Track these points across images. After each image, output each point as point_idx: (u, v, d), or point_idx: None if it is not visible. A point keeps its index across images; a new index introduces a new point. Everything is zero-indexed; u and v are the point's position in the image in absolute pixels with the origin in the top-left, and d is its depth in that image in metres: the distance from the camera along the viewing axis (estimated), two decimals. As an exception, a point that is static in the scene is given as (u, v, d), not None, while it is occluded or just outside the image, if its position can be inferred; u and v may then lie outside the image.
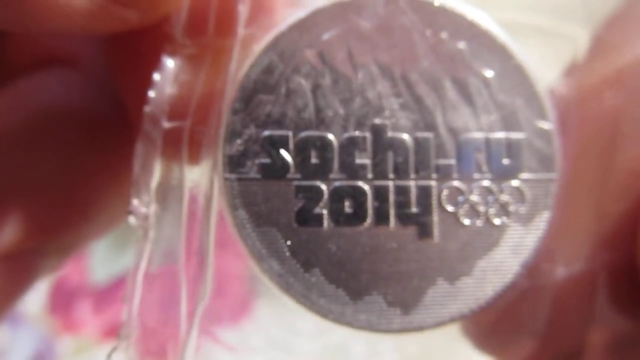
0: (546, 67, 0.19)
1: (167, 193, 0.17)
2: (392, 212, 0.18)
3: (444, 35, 0.18)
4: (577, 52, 0.20)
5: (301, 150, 0.17)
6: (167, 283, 0.17)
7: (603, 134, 0.20)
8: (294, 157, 0.17)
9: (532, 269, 0.19)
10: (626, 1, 0.20)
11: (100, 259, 0.49)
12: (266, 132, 0.17)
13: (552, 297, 0.20)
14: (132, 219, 0.17)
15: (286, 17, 0.17)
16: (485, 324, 0.20)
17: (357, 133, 0.17)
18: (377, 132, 0.18)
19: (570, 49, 0.20)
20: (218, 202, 0.17)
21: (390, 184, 0.18)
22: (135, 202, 0.17)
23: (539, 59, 0.19)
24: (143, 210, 0.17)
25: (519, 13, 0.19)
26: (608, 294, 0.20)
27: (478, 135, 0.18)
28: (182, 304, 0.17)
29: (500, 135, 0.18)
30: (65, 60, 0.22)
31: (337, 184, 0.17)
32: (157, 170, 0.17)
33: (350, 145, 0.17)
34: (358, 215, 0.17)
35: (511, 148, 0.18)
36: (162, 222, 0.17)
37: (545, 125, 0.19)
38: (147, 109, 0.17)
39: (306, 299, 0.17)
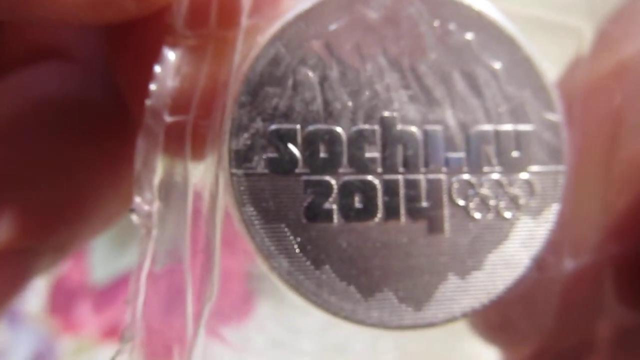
0: (551, 60, 0.18)
1: (171, 190, 0.15)
2: (402, 206, 0.16)
3: (451, 26, 0.17)
4: (582, 45, 0.19)
5: (309, 144, 0.15)
6: (172, 283, 0.16)
7: (608, 127, 0.19)
8: (302, 151, 0.15)
9: (541, 262, 0.18)
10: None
11: (100, 259, 0.46)
12: (273, 126, 0.15)
13: (560, 289, 0.18)
14: (134, 217, 0.15)
15: (291, 6, 0.16)
16: (495, 318, 0.18)
17: (366, 126, 0.16)
18: (387, 125, 0.16)
19: (575, 42, 0.19)
20: (224, 199, 0.15)
21: (400, 177, 0.16)
22: (137, 199, 0.15)
23: (544, 52, 0.18)
24: (146, 208, 0.15)
25: (523, 6, 0.18)
26: (615, 286, 0.19)
27: (487, 127, 0.17)
28: (188, 304, 0.16)
29: (509, 127, 0.17)
30: (63, 52, 0.20)
31: (346, 178, 0.16)
32: (159, 167, 0.15)
33: (359, 139, 0.16)
34: (368, 210, 0.16)
35: (520, 140, 0.17)
36: (165, 220, 0.15)
37: (553, 117, 0.17)
38: (148, 102, 0.15)
39: (317, 297, 0.15)
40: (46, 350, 0.41)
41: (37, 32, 0.20)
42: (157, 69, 0.15)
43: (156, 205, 0.15)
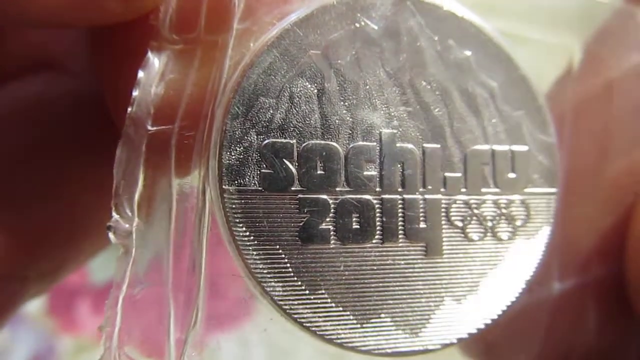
0: (541, 76, 0.15)
1: (153, 206, 0.11)
2: (400, 227, 0.13)
3: (450, 42, 0.13)
4: (572, 61, 0.15)
5: (306, 161, 0.12)
6: (152, 308, 0.12)
7: (595, 148, 0.16)
8: (298, 168, 0.12)
9: (532, 285, 0.14)
10: (614, 15, 0.16)
11: (99, 259, 0.41)
12: (268, 140, 0.11)
13: (549, 312, 0.15)
14: (112, 236, 0.11)
15: (288, 13, 0.12)
16: (486, 341, 0.15)
17: (364, 143, 0.12)
18: (386, 142, 0.12)
19: (564, 59, 0.15)
20: (212, 217, 0.12)
21: (399, 197, 0.13)
22: (115, 216, 0.11)
23: (535, 68, 0.15)
24: (125, 226, 0.11)
25: (514, 23, 0.15)
26: (599, 306, 0.16)
27: (484, 147, 0.13)
28: (171, 331, 0.12)
29: (505, 148, 0.14)
30: (57, 65, 0.16)
31: (343, 197, 0.12)
32: (140, 180, 0.11)
33: (357, 156, 0.12)
34: (366, 231, 0.12)
35: (516, 161, 0.14)
36: (146, 239, 0.11)
37: (547, 138, 0.14)
38: (130, 110, 0.11)
39: (311, 323, 0.12)
40: (46, 350, 0.36)
41: (34, 45, 0.16)
42: (141, 74, 0.11)
43: (136, 223, 0.11)
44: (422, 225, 0.13)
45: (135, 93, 0.11)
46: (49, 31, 0.16)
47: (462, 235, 0.13)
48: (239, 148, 0.11)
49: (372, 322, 0.12)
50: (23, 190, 0.14)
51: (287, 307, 0.11)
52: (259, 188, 0.11)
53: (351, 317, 0.12)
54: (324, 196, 0.12)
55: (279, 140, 0.11)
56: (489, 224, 0.13)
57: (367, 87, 0.12)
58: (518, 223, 0.14)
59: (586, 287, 0.15)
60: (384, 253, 0.12)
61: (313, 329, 0.12)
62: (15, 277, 0.15)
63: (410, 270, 0.12)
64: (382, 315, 0.12)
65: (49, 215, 0.15)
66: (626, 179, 0.15)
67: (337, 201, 0.12)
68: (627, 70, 0.15)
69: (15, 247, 0.14)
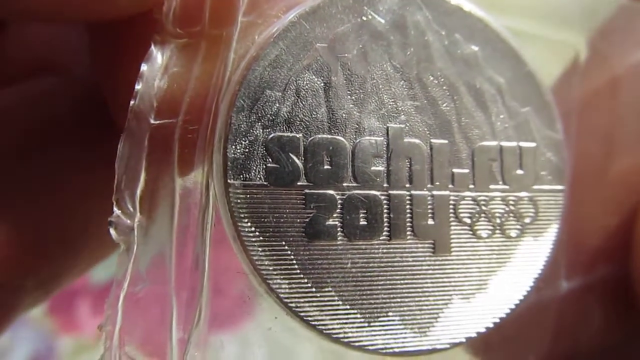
0: (545, 73, 0.14)
1: (155, 202, 0.11)
2: (408, 224, 0.12)
3: (457, 36, 0.13)
4: (578, 58, 0.15)
5: (312, 155, 0.11)
6: (154, 306, 0.11)
7: (599, 145, 0.15)
8: (304, 163, 0.11)
9: (539, 283, 0.14)
10: (619, 11, 0.15)
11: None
12: (274, 134, 0.11)
13: (556, 311, 0.15)
14: (113, 232, 0.11)
15: (294, 5, 0.11)
16: (494, 340, 0.14)
17: (372, 137, 0.12)
18: (393, 137, 0.12)
19: (570, 56, 0.15)
20: (216, 212, 0.11)
21: (406, 193, 0.12)
22: (117, 211, 0.11)
23: (539, 64, 0.14)
24: (126, 221, 0.11)
25: (518, 19, 0.14)
26: (604, 305, 0.15)
27: (492, 143, 0.13)
28: (173, 330, 0.11)
29: (513, 144, 0.13)
30: (56, 68, 0.15)
31: (350, 192, 0.11)
32: (142, 175, 0.10)
33: (364, 151, 0.12)
34: (373, 228, 0.12)
35: (524, 158, 0.13)
36: (148, 235, 0.11)
37: (555, 135, 0.14)
38: (132, 103, 0.10)
39: (318, 322, 0.11)
40: (46, 350, 0.35)
41: (36, 49, 0.16)
42: (144, 67, 0.11)
43: (138, 219, 0.10)
44: (430, 222, 0.12)
45: (138, 86, 0.10)
46: (50, 35, 0.16)
47: (471, 232, 0.12)
48: (245, 142, 0.11)
49: (379, 321, 0.11)
50: (20, 195, 0.14)
51: (293, 305, 0.11)
52: (265, 183, 0.11)
53: (358, 316, 0.11)
54: (331, 191, 0.11)
55: (285, 134, 0.11)
56: (498, 220, 0.13)
57: (374, 81, 0.12)
58: (526, 220, 0.13)
59: (592, 286, 0.15)
60: (392, 250, 0.12)
61: (319, 327, 0.11)
62: (12, 285, 0.14)
63: (419, 268, 0.12)
64: (390, 313, 0.12)
65: (47, 221, 0.14)
66: (631, 178, 0.15)
67: (344, 197, 0.11)
68: (632, 68, 0.15)
69: (12, 254, 0.13)
